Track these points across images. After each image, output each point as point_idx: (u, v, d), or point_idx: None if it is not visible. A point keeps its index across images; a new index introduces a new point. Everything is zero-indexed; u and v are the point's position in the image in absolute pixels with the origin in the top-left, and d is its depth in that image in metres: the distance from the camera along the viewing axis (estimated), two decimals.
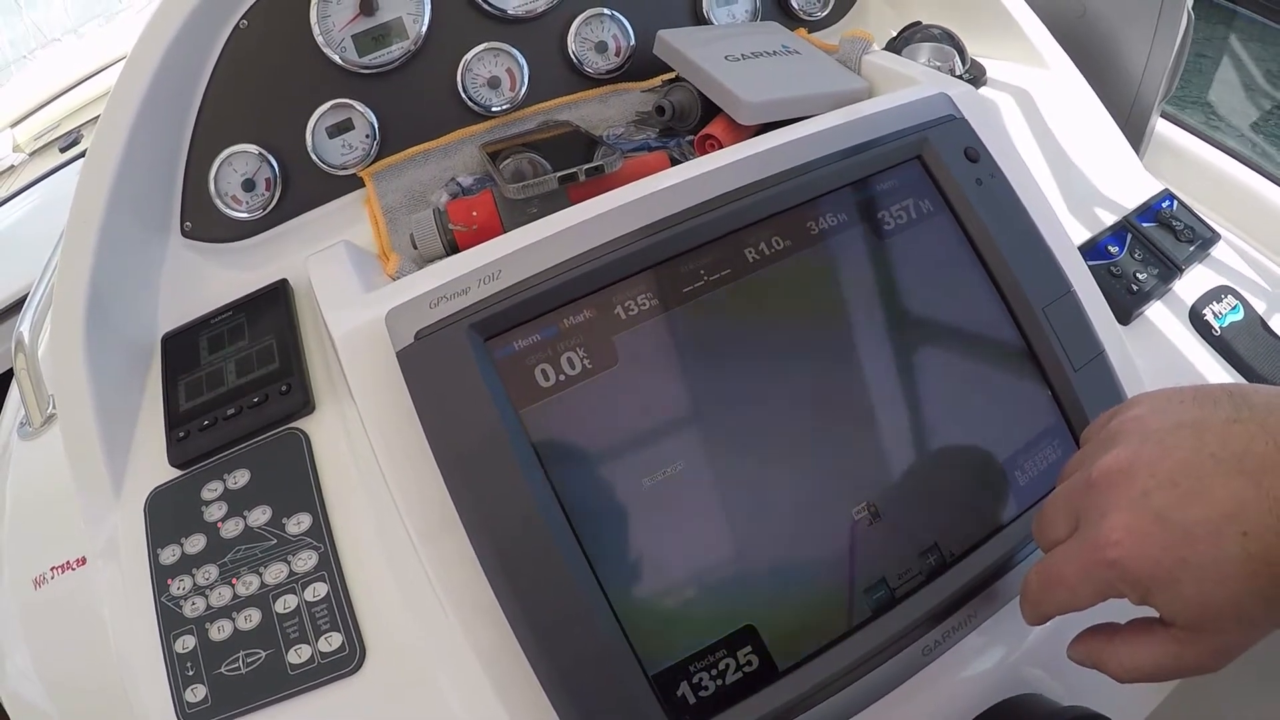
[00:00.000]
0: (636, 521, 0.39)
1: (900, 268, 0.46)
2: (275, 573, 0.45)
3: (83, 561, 0.54)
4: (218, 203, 0.58)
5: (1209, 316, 0.61)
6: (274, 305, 0.55)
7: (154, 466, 0.50)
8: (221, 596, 0.44)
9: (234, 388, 0.51)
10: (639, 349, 0.41)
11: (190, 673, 0.42)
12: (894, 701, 0.40)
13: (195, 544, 0.46)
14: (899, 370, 0.44)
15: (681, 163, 0.50)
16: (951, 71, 0.66)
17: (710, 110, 0.59)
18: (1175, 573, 0.28)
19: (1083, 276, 0.50)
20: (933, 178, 0.48)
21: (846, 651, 0.39)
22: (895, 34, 0.70)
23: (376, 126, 0.60)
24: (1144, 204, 0.66)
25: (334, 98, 0.59)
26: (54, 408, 0.66)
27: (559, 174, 0.51)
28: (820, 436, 0.42)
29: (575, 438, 0.39)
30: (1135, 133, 0.76)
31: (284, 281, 0.57)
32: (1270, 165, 0.75)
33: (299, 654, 0.42)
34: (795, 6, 0.73)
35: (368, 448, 0.44)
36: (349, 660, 0.42)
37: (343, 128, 0.60)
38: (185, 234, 0.58)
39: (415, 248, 0.54)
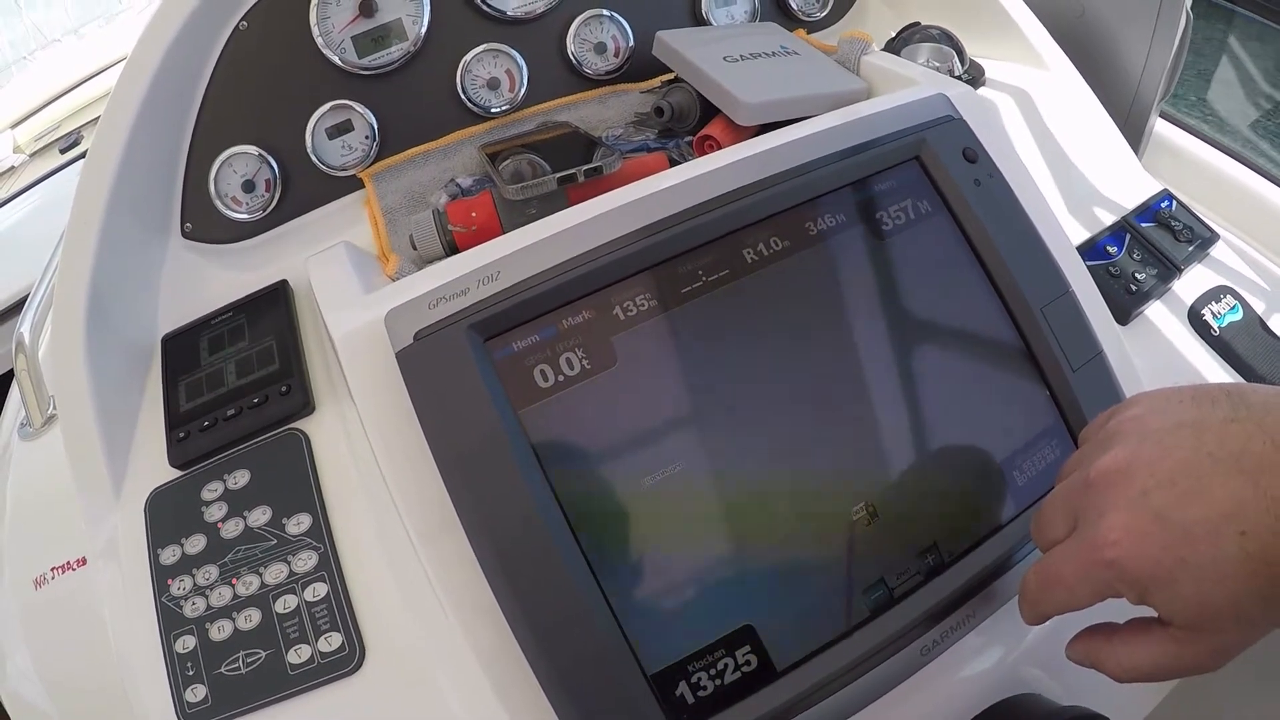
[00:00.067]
0: (635, 522, 0.39)
1: (898, 268, 0.46)
2: (275, 573, 0.45)
3: (83, 562, 0.55)
4: (218, 204, 0.58)
5: (1208, 316, 0.61)
6: (274, 306, 0.55)
7: (154, 467, 0.50)
8: (222, 596, 0.44)
9: (234, 388, 0.51)
10: (638, 349, 0.41)
11: (190, 673, 0.43)
12: (892, 701, 0.41)
13: (195, 544, 0.46)
14: (897, 370, 0.44)
15: (680, 164, 0.50)
16: (950, 72, 0.66)
17: (709, 111, 0.59)
18: (1174, 572, 0.28)
19: (1081, 277, 0.50)
20: (931, 178, 0.48)
21: (845, 651, 0.39)
22: (894, 35, 0.70)
23: (376, 128, 0.60)
24: (1143, 204, 0.66)
25: (333, 99, 0.59)
26: (54, 408, 0.66)
27: (558, 175, 0.51)
28: (818, 436, 0.43)
29: (574, 438, 0.40)
30: (1134, 133, 0.76)
31: (284, 282, 0.57)
32: (1270, 165, 0.75)
33: (299, 654, 0.42)
34: (794, 7, 0.73)
35: (367, 448, 0.44)
36: (349, 660, 0.42)
37: (342, 129, 0.60)
38: (185, 235, 0.58)
39: (415, 249, 0.54)
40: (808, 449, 0.42)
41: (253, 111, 0.58)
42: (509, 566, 0.37)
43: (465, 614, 0.40)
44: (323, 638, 0.43)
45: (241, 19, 0.57)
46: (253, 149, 0.58)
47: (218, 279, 0.58)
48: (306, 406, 0.50)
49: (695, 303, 0.42)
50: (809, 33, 0.72)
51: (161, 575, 0.45)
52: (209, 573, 0.45)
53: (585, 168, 0.51)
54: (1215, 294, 0.62)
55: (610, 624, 0.37)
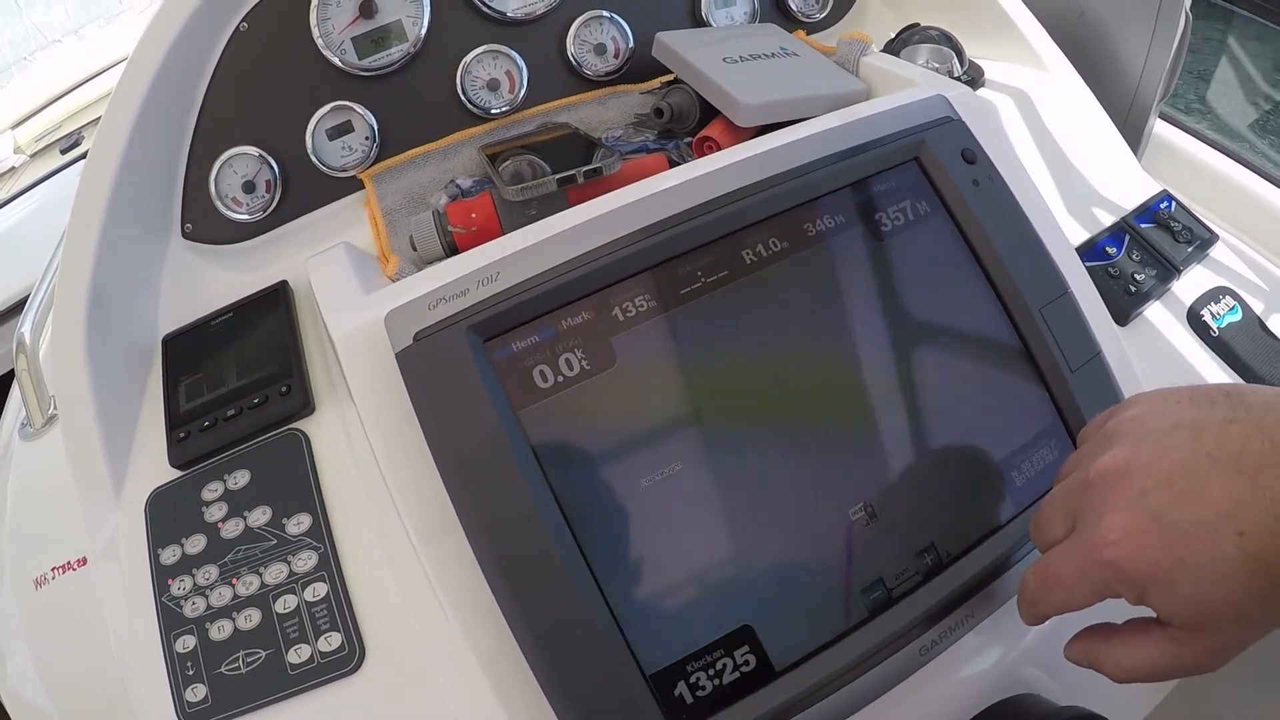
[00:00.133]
0: (634, 522, 0.39)
1: (897, 269, 0.46)
2: (275, 573, 0.45)
3: (83, 562, 0.55)
4: (218, 204, 0.58)
5: (1207, 317, 0.61)
6: (274, 307, 0.56)
7: (154, 467, 0.50)
8: (222, 596, 0.44)
9: (234, 389, 0.51)
10: (637, 350, 0.41)
11: (190, 672, 0.43)
12: (891, 702, 0.41)
13: (196, 544, 0.46)
14: (896, 371, 0.44)
15: (680, 165, 0.50)
16: (949, 73, 0.66)
17: (709, 112, 0.59)
18: (1172, 573, 0.28)
19: (1080, 277, 0.50)
20: (930, 179, 0.48)
21: (844, 651, 0.39)
22: (893, 36, 0.70)
23: (376, 129, 0.60)
24: (1142, 205, 0.66)
25: (334, 100, 0.59)
26: (55, 408, 0.66)
27: (558, 176, 0.51)
28: (817, 437, 0.43)
29: (573, 439, 0.40)
30: (1133, 133, 0.76)
31: (284, 283, 0.57)
32: (1268, 165, 0.75)
33: (299, 654, 0.42)
34: (793, 8, 0.73)
35: (367, 449, 0.44)
36: (349, 660, 0.42)
37: (342, 130, 0.60)
38: (186, 236, 0.58)
39: (415, 249, 0.54)
40: (806, 449, 0.42)
41: (253, 112, 0.58)
42: (508, 567, 0.37)
43: (465, 614, 0.40)
44: (323, 638, 0.43)
45: (242, 20, 0.57)
46: (253, 150, 0.58)
47: (218, 279, 0.58)
48: (306, 407, 0.50)
49: (694, 303, 0.42)
50: (808, 34, 0.72)
51: (162, 575, 0.45)
52: (209, 573, 0.45)
53: (585, 169, 0.51)
54: (1214, 295, 0.62)
55: (609, 624, 0.37)
